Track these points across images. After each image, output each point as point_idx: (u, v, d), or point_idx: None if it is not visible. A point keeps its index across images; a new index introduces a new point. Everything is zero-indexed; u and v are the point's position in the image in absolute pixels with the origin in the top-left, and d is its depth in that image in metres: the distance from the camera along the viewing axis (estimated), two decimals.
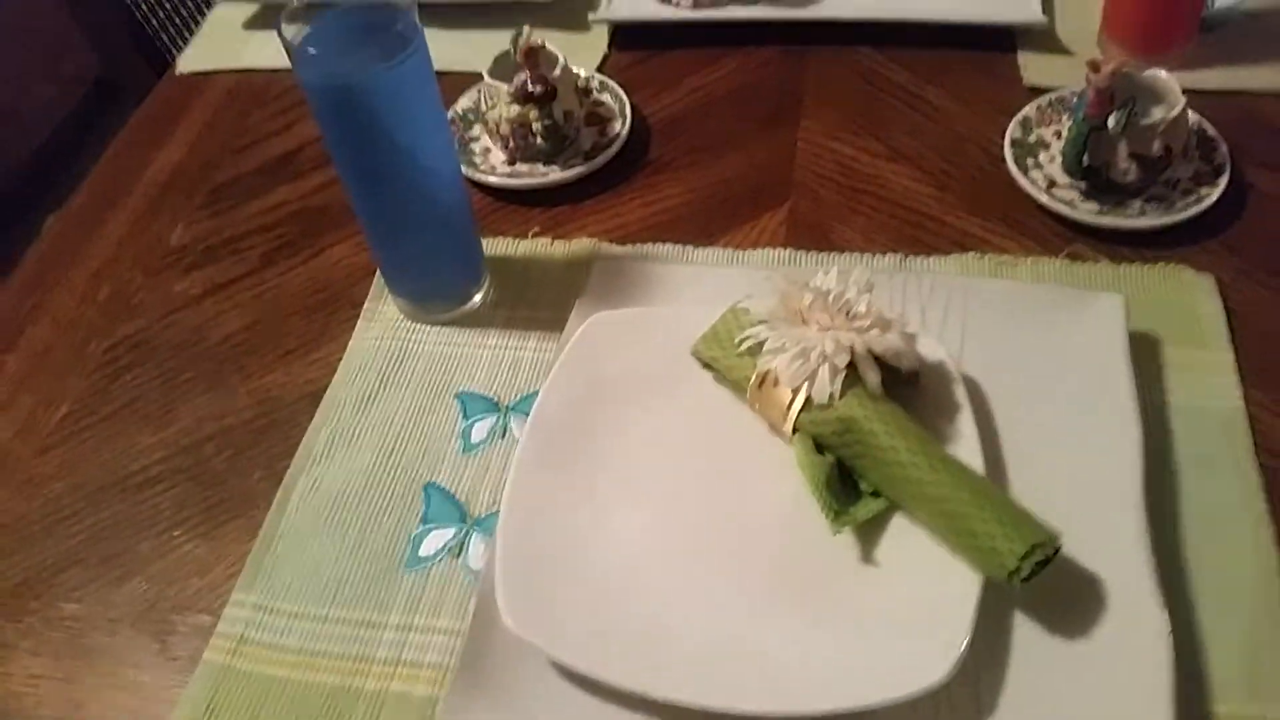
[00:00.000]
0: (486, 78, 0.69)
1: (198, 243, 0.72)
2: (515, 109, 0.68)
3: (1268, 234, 0.63)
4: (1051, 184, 0.65)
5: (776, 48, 0.79)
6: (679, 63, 0.80)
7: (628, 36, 0.82)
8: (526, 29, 0.70)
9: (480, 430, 0.58)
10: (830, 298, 0.51)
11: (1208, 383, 0.55)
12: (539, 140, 0.68)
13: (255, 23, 0.88)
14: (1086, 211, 0.63)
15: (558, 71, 0.69)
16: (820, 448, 0.50)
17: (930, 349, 0.53)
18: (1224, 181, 0.63)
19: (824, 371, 0.49)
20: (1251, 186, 0.65)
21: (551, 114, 0.68)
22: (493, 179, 0.70)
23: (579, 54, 0.78)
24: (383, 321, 0.64)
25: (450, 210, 0.61)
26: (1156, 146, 0.61)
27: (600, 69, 0.79)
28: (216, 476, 0.58)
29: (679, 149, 0.73)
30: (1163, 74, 0.63)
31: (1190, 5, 0.73)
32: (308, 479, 0.57)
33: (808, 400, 0.50)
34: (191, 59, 0.86)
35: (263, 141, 0.78)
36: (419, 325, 0.63)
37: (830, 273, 0.52)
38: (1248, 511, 0.50)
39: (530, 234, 0.68)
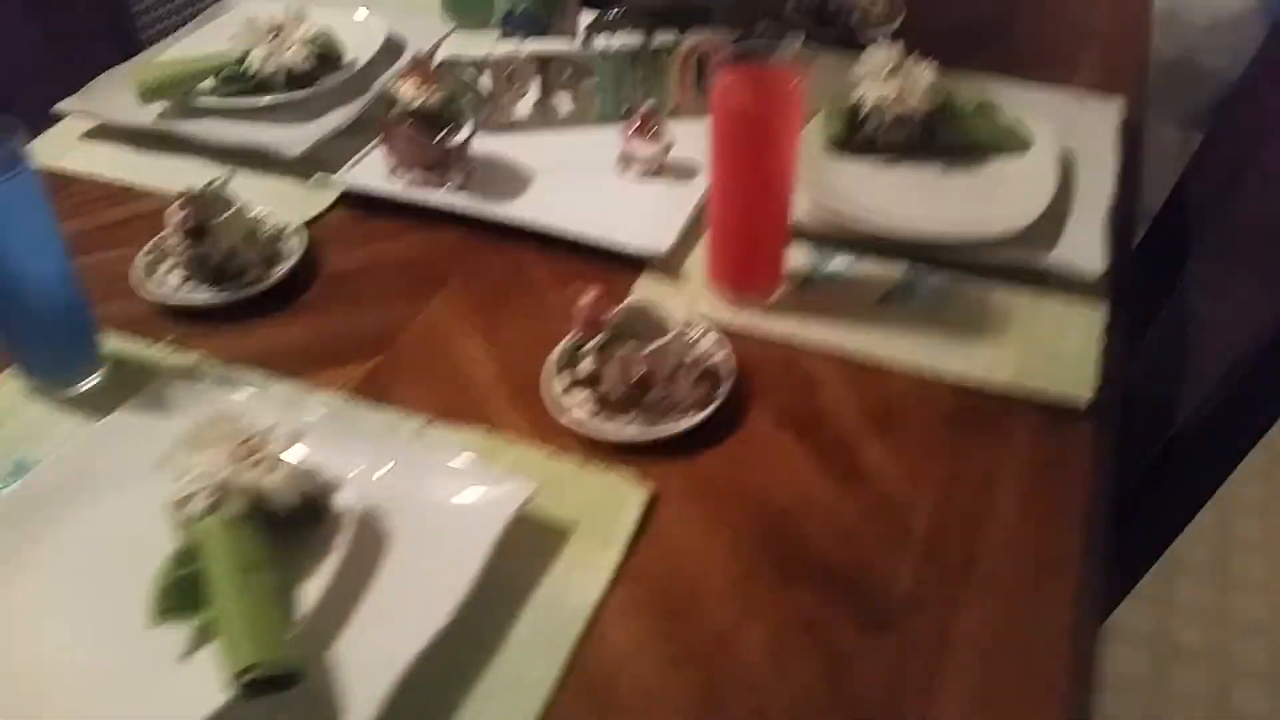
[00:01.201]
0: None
1: None
2: (174, 240, 0.83)
3: (729, 467, 0.71)
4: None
5: (462, 231, 0.92)
6: (382, 228, 0.93)
7: (351, 199, 0.96)
8: (221, 177, 0.85)
9: None
10: (239, 432, 0.62)
11: (583, 577, 0.64)
12: (184, 268, 0.83)
13: None
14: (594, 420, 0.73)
15: (225, 215, 0.83)
16: (191, 557, 0.60)
17: (348, 498, 0.64)
18: (701, 415, 0.72)
19: (200, 496, 0.60)
20: (743, 426, 0.74)
21: (202, 248, 0.82)
22: (160, 294, 0.84)
23: (300, 204, 0.94)
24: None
25: (54, 310, 0.75)
26: (637, 371, 0.71)
27: (311, 222, 0.93)
28: None
29: (328, 297, 0.86)
30: (664, 309, 0.74)
31: (771, 260, 0.83)
32: None
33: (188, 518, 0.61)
34: None
35: None
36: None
37: (245, 413, 0.64)
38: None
39: (165, 341, 0.81)
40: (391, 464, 0.67)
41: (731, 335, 0.80)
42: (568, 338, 0.74)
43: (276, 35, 1.02)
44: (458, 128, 0.92)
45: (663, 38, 0.99)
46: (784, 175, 0.78)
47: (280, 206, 0.93)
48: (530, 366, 0.78)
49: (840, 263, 0.88)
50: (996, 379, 0.76)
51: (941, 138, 0.94)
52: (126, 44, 1.31)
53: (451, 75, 0.97)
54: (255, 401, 0.73)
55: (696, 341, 0.77)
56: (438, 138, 0.91)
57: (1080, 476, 0.72)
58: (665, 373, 0.72)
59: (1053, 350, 0.79)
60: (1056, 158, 0.93)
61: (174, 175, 0.98)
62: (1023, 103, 1.03)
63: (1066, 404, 0.75)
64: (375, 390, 0.78)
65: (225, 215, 0.83)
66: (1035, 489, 0.71)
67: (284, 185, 0.97)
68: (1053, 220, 0.87)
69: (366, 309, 0.85)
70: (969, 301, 0.84)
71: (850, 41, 1.15)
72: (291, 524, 0.62)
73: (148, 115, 1.03)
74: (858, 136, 0.95)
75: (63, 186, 0.99)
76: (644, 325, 0.74)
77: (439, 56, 0.98)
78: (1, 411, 0.76)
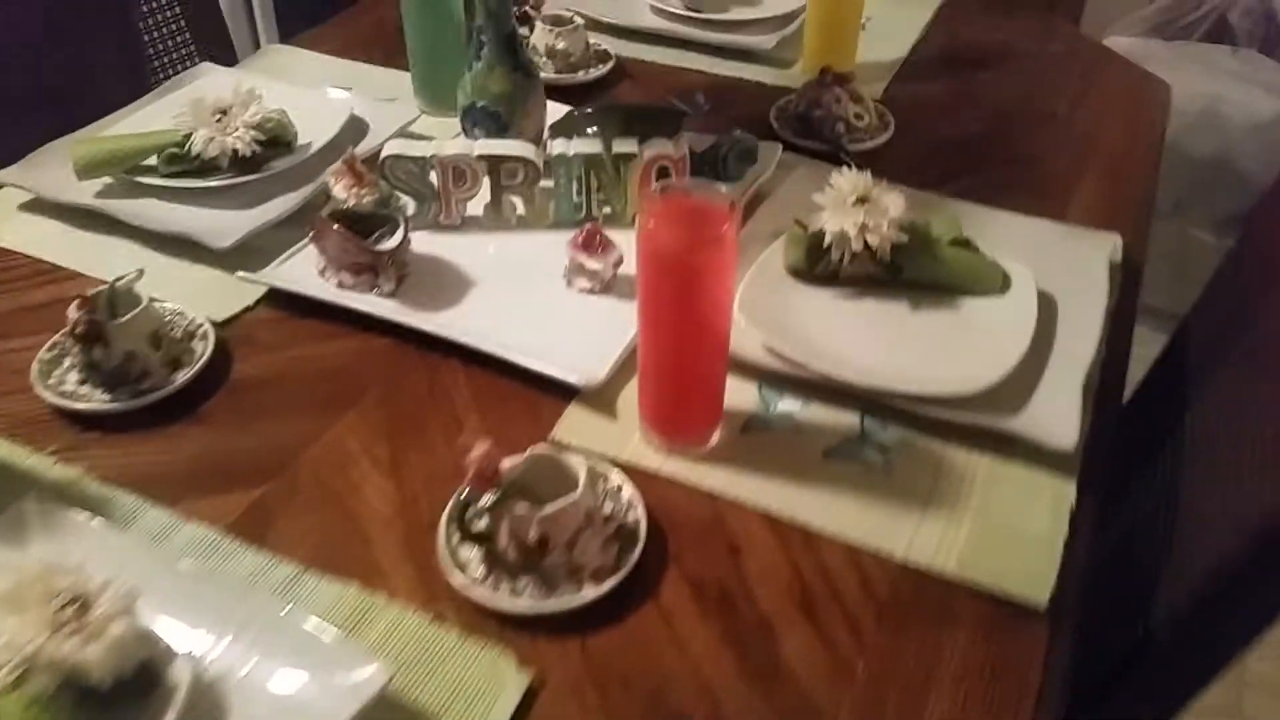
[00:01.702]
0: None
1: None
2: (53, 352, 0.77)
3: (629, 651, 0.64)
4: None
5: (389, 340, 0.86)
6: (306, 331, 0.87)
7: (279, 295, 0.90)
8: (129, 276, 0.80)
9: None
10: (64, 591, 0.56)
11: None
12: (76, 372, 0.77)
13: None
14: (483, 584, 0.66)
15: (128, 316, 0.77)
16: None
17: (182, 671, 0.57)
18: (601, 589, 0.65)
19: (2, 671, 0.53)
20: (654, 597, 0.66)
21: (93, 355, 0.76)
22: (53, 396, 0.78)
23: (225, 299, 0.88)
24: None
25: None
26: (533, 534, 0.64)
27: (231, 320, 0.87)
28: None
29: (231, 408, 0.80)
30: (571, 461, 0.67)
31: (704, 405, 0.76)
32: None
33: None
34: None
35: None
36: None
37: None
38: None
39: (47, 451, 0.75)
40: (233, 635, 0.60)
41: (657, 484, 0.74)
42: (458, 492, 0.67)
43: (222, 117, 0.97)
44: (390, 231, 0.86)
45: (624, 145, 0.94)
46: (716, 317, 0.71)
47: (204, 301, 0.88)
48: (431, 508, 0.71)
49: (790, 404, 0.80)
50: (944, 565, 0.69)
51: (910, 273, 0.87)
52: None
53: (394, 172, 0.92)
54: (105, 540, 0.66)
55: (613, 494, 0.71)
56: (367, 241, 0.85)
57: (1029, 683, 0.64)
58: (564, 537, 0.65)
59: (1011, 532, 0.71)
60: (1035, 303, 0.85)
61: (105, 257, 0.94)
62: (1009, 234, 0.96)
63: (1021, 603, 0.67)
64: (257, 523, 0.71)
65: (129, 315, 0.78)
66: (976, 695, 0.63)
67: (212, 277, 0.92)
68: (1025, 377, 0.80)
69: (267, 425, 0.79)
70: (924, 462, 0.76)
71: (834, 155, 1.10)
72: (116, 698, 0.55)
73: (86, 191, 0.98)
74: (819, 266, 0.88)
75: None
76: (548, 479, 0.67)
77: (387, 150, 0.93)
78: None
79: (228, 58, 1.41)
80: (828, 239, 0.86)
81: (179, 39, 1.37)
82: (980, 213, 1.00)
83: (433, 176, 0.93)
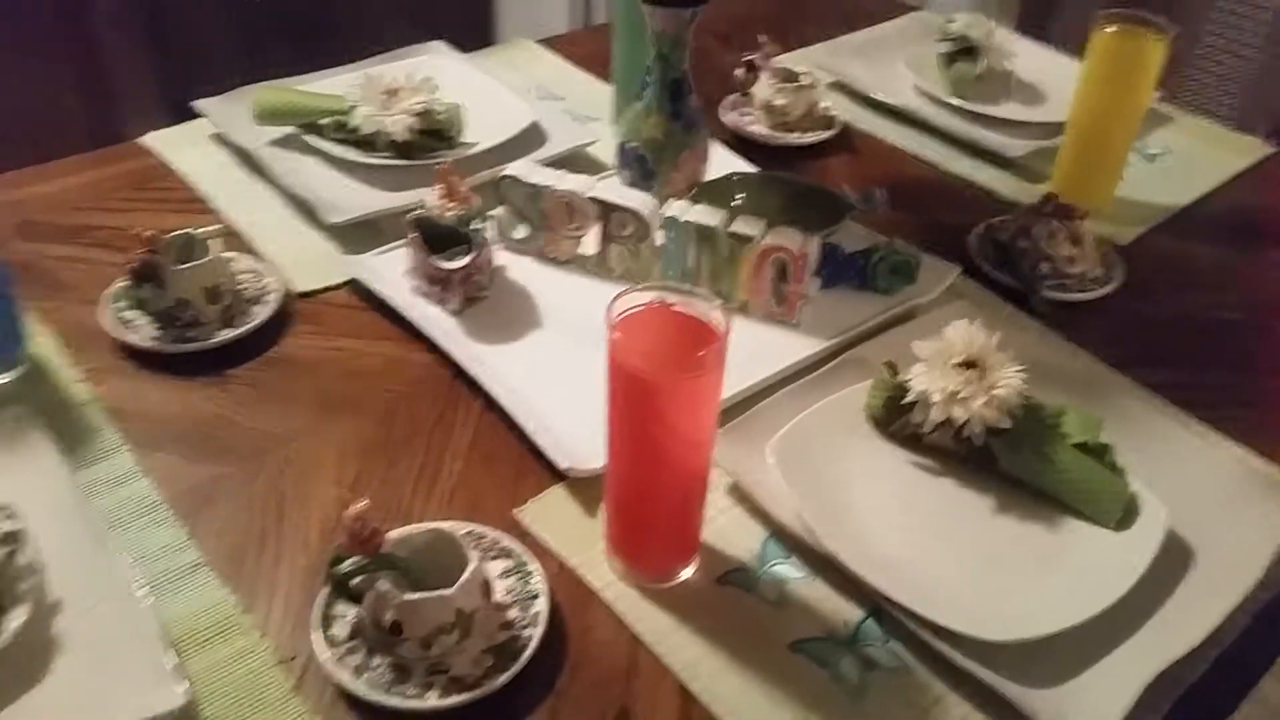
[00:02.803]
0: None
1: None
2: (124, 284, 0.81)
3: None
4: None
5: (432, 359, 0.82)
6: (368, 325, 0.85)
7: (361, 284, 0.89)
8: (208, 229, 0.82)
9: None
10: None
11: None
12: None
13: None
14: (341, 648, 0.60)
15: (188, 265, 0.79)
16: None
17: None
18: (451, 700, 0.57)
19: None
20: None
21: (141, 292, 0.79)
22: (105, 318, 0.82)
23: (315, 272, 0.89)
24: None
25: None
26: (388, 617, 0.58)
27: (310, 294, 0.88)
28: None
29: (253, 380, 0.80)
30: (470, 555, 0.59)
31: (667, 541, 0.65)
32: None
33: None
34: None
35: None
36: None
37: None
38: None
39: (85, 368, 0.79)
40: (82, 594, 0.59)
41: (591, 605, 0.65)
42: (334, 544, 0.61)
43: (389, 98, 0.98)
44: (464, 251, 0.82)
45: (745, 225, 0.84)
46: (690, 454, 0.61)
47: (300, 269, 0.90)
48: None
49: (789, 570, 0.68)
50: None
51: (1007, 466, 0.71)
52: None
53: (508, 194, 0.88)
54: (47, 477, 0.68)
55: (523, 601, 0.63)
56: (436, 256, 0.82)
57: None
58: (421, 631, 0.58)
59: None
60: (1151, 555, 0.66)
61: (246, 201, 0.98)
62: (1180, 457, 0.76)
63: None
64: (199, 501, 0.70)
65: (189, 265, 0.80)
66: None
67: (322, 248, 0.93)
68: (1083, 644, 0.62)
69: (272, 407, 0.78)
70: (904, 703, 0.61)
71: (1025, 297, 0.92)
72: None
73: (262, 136, 1.03)
74: (897, 424, 0.74)
75: (159, 177, 1.02)
76: (443, 558, 0.60)
77: (508, 170, 0.89)
78: None
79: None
80: (911, 395, 0.72)
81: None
82: (1158, 419, 0.80)
83: (545, 206, 0.88)
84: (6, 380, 0.77)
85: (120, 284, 0.84)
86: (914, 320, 0.87)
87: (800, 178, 1.03)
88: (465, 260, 0.81)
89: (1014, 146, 1.12)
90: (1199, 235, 1.06)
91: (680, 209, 0.86)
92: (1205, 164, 1.16)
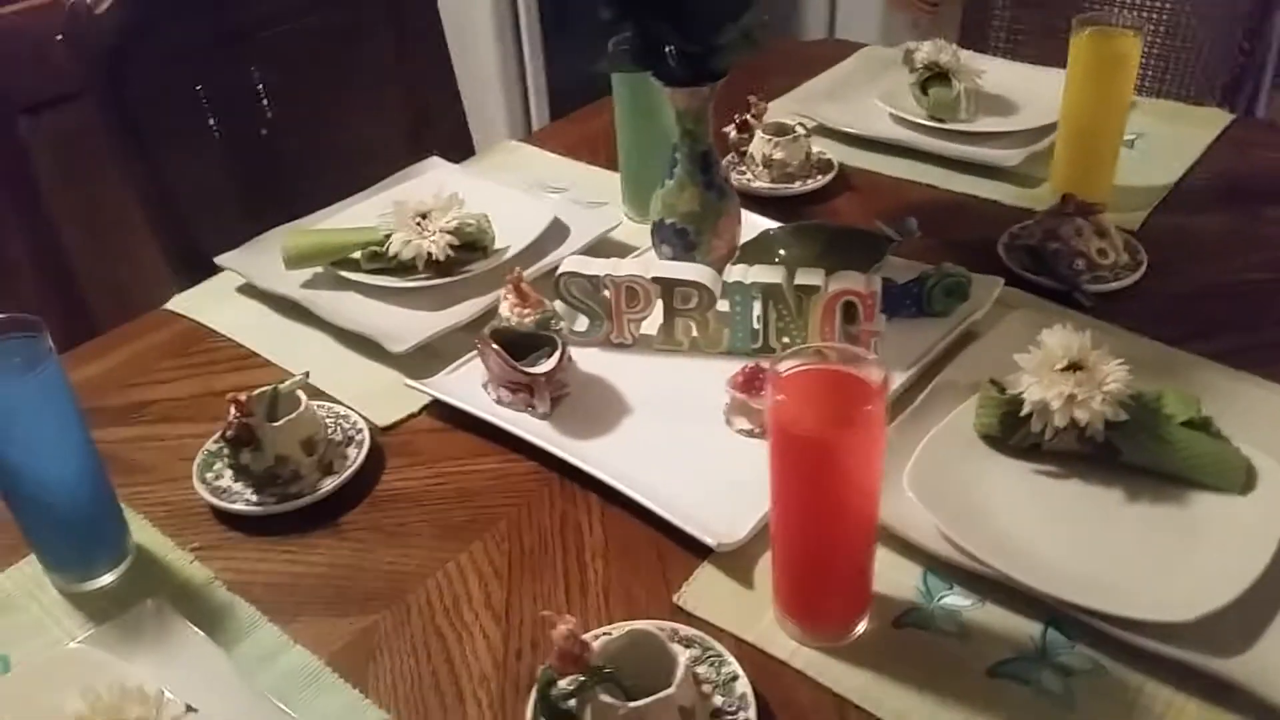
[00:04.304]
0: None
1: None
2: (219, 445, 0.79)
3: None
4: None
5: (534, 463, 0.82)
6: (461, 444, 0.85)
7: (443, 403, 0.89)
8: (295, 378, 0.82)
9: None
10: None
11: None
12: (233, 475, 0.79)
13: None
14: None
15: (282, 421, 0.78)
16: None
17: None
18: None
19: None
20: None
21: (243, 458, 0.78)
22: (206, 491, 0.80)
23: (393, 403, 0.89)
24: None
25: (74, 507, 0.72)
26: None
27: (393, 426, 0.87)
28: None
29: (368, 523, 0.79)
30: (674, 650, 0.59)
31: (845, 595, 0.66)
32: None
33: None
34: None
35: None
36: None
37: None
38: None
39: (189, 547, 0.77)
40: None
41: (784, 677, 0.65)
42: (543, 666, 0.61)
43: (422, 220, 0.99)
44: (548, 354, 0.83)
45: (808, 276, 0.86)
46: (861, 503, 0.62)
47: (375, 403, 0.89)
48: (533, 666, 0.66)
49: (958, 599, 0.69)
50: None
51: (1130, 456, 0.74)
52: None
53: (568, 289, 0.89)
54: (206, 663, 0.66)
55: (724, 686, 0.63)
56: (523, 362, 0.82)
57: None
58: None
59: None
60: None
61: (297, 348, 0.97)
62: (1263, 415, 0.79)
63: None
64: (361, 656, 0.68)
65: (285, 419, 0.79)
66: None
67: (389, 379, 0.92)
68: (1257, 607, 0.64)
69: (397, 546, 0.77)
70: (1114, 699, 0.62)
71: (1068, 295, 0.96)
72: None
73: (293, 281, 1.03)
74: (1016, 437, 0.76)
75: (199, 339, 1.01)
76: (646, 660, 0.60)
77: (564, 266, 0.90)
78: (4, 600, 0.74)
79: (466, 149, 1.46)
80: (1027, 407, 0.74)
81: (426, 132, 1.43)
82: (1232, 384, 0.84)
83: (606, 294, 0.90)
84: (117, 576, 0.75)
85: (206, 453, 0.83)
86: (981, 338, 0.90)
87: (832, 222, 1.06)
88: (554, 362, 0.82)
89: (1009, 156, 1.17)
90: (1197, 208, 1.12)
91: (740, 273, 0.88)
92: (1180, 141, 1.23)
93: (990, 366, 0.82)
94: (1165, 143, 1.22)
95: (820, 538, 0.63)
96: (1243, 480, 0.72)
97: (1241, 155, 1.21)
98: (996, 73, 1.30)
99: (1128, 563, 0.69)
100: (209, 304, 1.05)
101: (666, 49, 0.87)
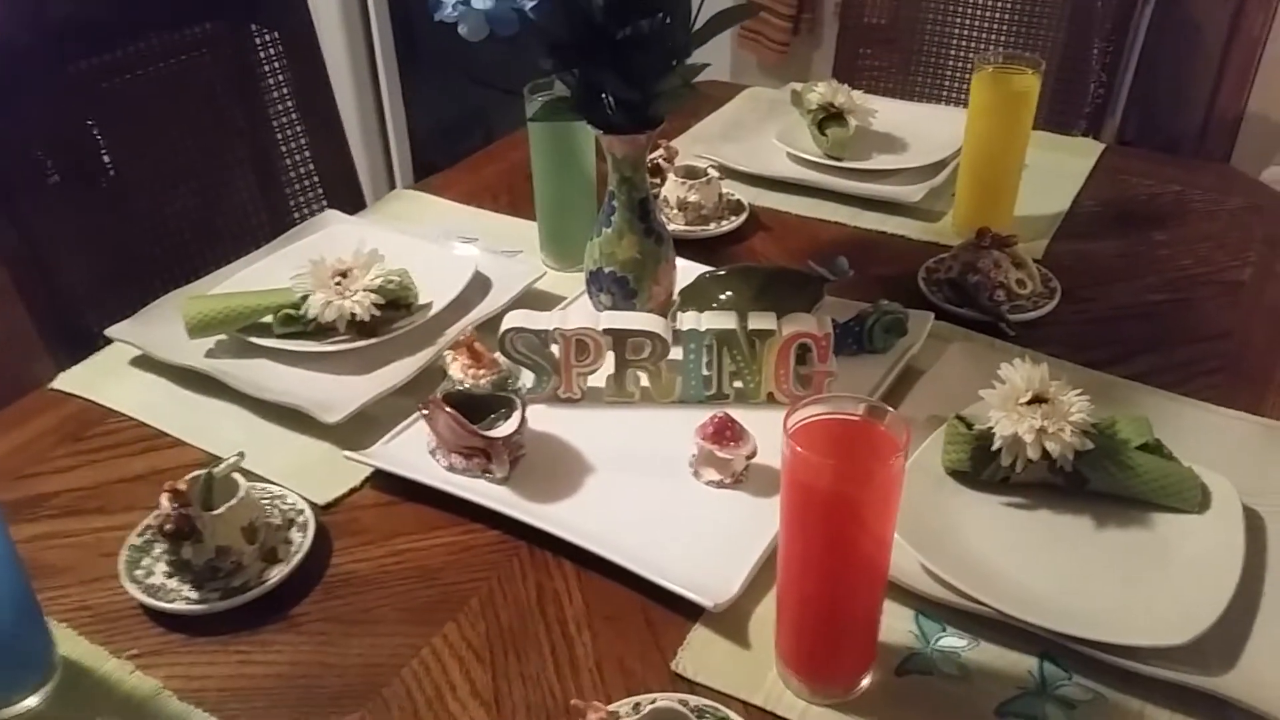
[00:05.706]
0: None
1: None
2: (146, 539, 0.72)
3: None
4: None
5: (497, 533, 0.78)
6: (413, 517, 0.80)
7: (387, 474, 0.83)
8: (229, 460, 0.75)
9: None
10: None
11: None
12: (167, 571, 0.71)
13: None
14: None
15: (222, 509, 0.72)
16: None
17: None
18: None
19: None
20: None
21: (182, 554, 0.71)
22: (138, 590, 0.72)
23: (330, 479, 0.82)
24: None
25: None
26: None
27: (335, 503, 0.81)
28: None
29: (326, 612, 0.72)
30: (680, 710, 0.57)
31: (853, 650, 0.65)
32: None
33: None
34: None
35: None
36: None
37: None
38: None
39: (126, 654, 0.69)
40: None
41: None
42: None
43: (341, 279, 0.93)
44: (506, 415, 0.79)
45: (761, 321, 0.85)
46: (877, 554, 0.61)
47: (310, 479, 0.82)
48: None
49: (953, 640, 0.69)
50: None
51: (1097, 484, 0.76)
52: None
53: (514, 345, 0.86)
54: None
55: None
56: (480, 425, 0.78)
57: None
58: None
59: None
60: (1242, 525, 0.72)
61: (212, 425, 0.89)
62: (1201, 432, 0.84)
63: None
64: None
65: (224, 507, 0.72)
66: None
67: (321, 451, 0.86)
68: (1233, 622, 0.67)
69: (361, 635, 0.71)
70: None
71: (992, 325, 0.99)
72: None
73: (196, 350, 0.95)
74: (986, 471, 0.77)
75: (96, 420, 0.91)
76: None
77: (508, 322, 0.86)
78: None
79: (356, 200, 1.40)
80: (998, 442, 0.75)
81: (307, 182, 1.36)
82: (1167, 404, 0.88)
83: (554, 349, 0.86)
84: (42, 698, 0.66)
85: (131, 548, 0.75)
86: (926, 373, 0.92)
87: (764, 264, 1.06)
88: (515, 423, 0.78)
89: (911, 192, 1.20)
90: (1092, 234, 1.18)
91: (693, 320, 0.86)
92: (1063, 170, 1.29)
93: (944, 401, 0.83)
94: (1050, 173, 1.28)
95: (836, 594, 0.61)
96: (1199, 499, 0.75)
97: (1118, 182, 1.29)
98: (885, 111, 1.34)
99: (1111, 589, 0.71)
100: (101, 380, 0.95)
101: (604, 96, 0.85)
